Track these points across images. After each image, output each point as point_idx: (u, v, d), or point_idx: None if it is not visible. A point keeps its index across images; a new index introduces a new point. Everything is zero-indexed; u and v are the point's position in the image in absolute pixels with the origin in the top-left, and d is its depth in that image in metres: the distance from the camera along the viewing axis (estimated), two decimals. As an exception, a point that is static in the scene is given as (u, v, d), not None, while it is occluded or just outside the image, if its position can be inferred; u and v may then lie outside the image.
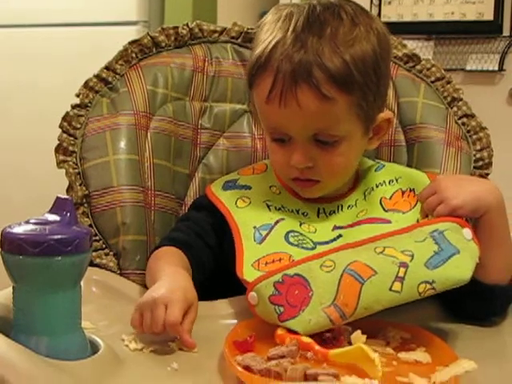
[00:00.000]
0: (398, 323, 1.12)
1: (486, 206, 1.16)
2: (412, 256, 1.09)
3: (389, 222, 1.23)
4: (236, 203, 1.31)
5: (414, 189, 1.27)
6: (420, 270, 1.08)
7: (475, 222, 1.18)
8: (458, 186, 1.18)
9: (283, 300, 1.09)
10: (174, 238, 1.30)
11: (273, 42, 1.21)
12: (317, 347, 1.01)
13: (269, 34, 1.23)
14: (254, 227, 1.26)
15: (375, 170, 1.35)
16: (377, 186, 1.31)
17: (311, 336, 1.05)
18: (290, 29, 1.20)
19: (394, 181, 1.31)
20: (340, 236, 1.25)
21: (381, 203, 1.27)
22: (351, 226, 1.26)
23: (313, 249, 1.22)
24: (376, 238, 1.15)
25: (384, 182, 1.31)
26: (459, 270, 1.09)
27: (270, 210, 1.29)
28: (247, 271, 1.18)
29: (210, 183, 1.42)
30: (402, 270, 1.08)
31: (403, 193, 1.28)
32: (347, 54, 1.17)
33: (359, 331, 1.03)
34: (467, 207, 1.15)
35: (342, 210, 1.30)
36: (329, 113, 1.18)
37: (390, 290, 1.07)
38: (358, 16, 1.23)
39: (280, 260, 1.18)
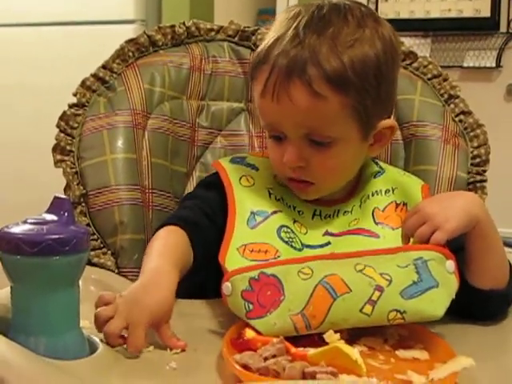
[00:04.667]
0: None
1: (475, 217, 1.14)
2: (390, 281, 1.08)
3: (377, 236, 1.22)
4: (240, 180, 1.29)
5: (406, 203, 1.26)
6: (394, 298, 1.07)
7: (467, 233, 1.16)
8: (445, 208, 1.15)
9: (254, 298, 1.08)
10: (181, 217, 1.27)
11: (273, 38, 1.21)
12: (293, 349, 0.99)
13: (273, 31, 1.24)
14: (251, 210, 1.25)
15: (374, 177, 1.32)
16: (372, 195, 1.29)
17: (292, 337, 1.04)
18: (293, 26, 1.20)
19: (390, 191, 1.29)
20: (329, 243, 1.24)
21: (373, 214, 1.26)
22: (341, 234, 1.25)
23: (300, 250, 1.22)
24: (360, 253, 1.12)
25: (380, 190, 1.29)
26: (433, 304, 1.07)
27: (270, 197, 1.28)
28: (230, 256, 1.17)
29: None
30: (377, 293, 1.06)
31: (397, 206, 1.27)
32: (345, 55, 1.17)
33: (331, 331, 1.01)
34: (461, 226, 1.13)
35: (337, 215, 1.29)
36: (320, 111, 1.18)
37: (360, 311, 1.06)
38: (366, 19, 1.23)
39: (266, 252, 1.18)
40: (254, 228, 1.23)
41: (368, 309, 1.06)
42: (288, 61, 1.18)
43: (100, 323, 1.01)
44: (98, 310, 1.03)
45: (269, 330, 1.05)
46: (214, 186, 1.32)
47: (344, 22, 1.21)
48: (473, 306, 1.16)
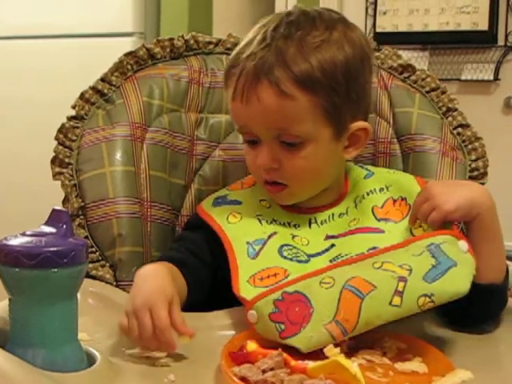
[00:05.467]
0: (395, 333, 1.12)
1: (477, 208, 1.16)
2: (410, 270, 1.09)
3: (382, 231, 1.23)
4: (227, 219, 1.30)
5: (405, 198, 1.27)
6: (419, 284, 1.08)
7: (467, 224, 1.19)
8: (449, 191, 1.18)
9: (284, 317, 1.09)
10: (169, 257, 1.27)
11: (243, 44, 1.25)
12: (293, 363, 0.99)
13: (245, 38, 1.27)
14: (247, 242, 1.25)
15: (364, 178, 1.34)
16: (367, 194, 1.30)
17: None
18: (262, 31, 1.24)
19: (385, 189, 1.30)
20: (333, 246, 1.24)
21: (373, 212, 1.27)
22: (344, 235, 1.26)
23: (307, 261, 1.22)
24: (374, 253, 1.14)
25: (374, 189, 1.31)
26: (457, 282, 1.09)
27: (261, 224, 1.29)
28: (243, 288, 1.17)
29: (206, 195, 1.42)
30: (401, 284, 1.08)
31: (394, 201, 1.28)
32: (312, 56, 1.19)
33: (331, 345, 1.01)
34: (459, 211, 1.15)
35: (333, 218, 1.30)
36: (289, 110, 1.20)
37: (390, 304, 1.07)
38: (335, 24, 1.25)
39: (275, 275, 1.18)
40: (255, 257, 1.23)
41: (397, 300, 1.07)
42: (255, 63, 1.20)
43: (128, 332, 1.05)
44: (118, 323, 1.05)
45: (307, 344, 1.06)
46: (198, 226, 1.33)
47: (312, 26, 1.23)
48: (474, 304, 1.15)
